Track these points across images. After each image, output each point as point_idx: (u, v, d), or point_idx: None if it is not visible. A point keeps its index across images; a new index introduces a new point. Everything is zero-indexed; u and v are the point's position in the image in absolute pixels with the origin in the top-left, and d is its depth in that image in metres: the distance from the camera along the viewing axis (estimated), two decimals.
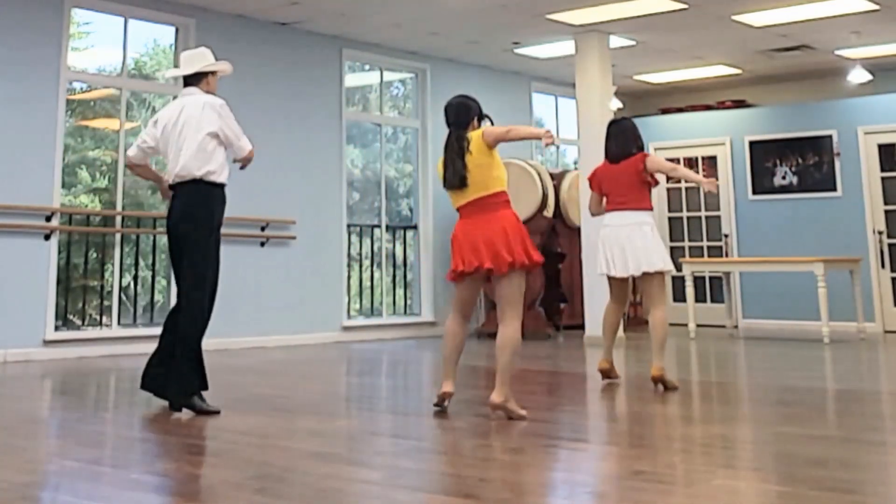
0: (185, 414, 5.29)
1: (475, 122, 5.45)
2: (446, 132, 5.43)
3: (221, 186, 5.60)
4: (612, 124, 6.79)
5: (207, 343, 5.66)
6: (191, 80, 5.76)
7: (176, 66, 9.79)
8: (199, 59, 5.78)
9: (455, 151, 5.31)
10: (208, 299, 5.55)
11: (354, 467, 3.98)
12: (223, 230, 5.74)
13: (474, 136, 5.32)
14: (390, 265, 11.78)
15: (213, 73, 5.79)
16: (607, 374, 6.60)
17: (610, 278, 6.57)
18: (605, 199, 6.62)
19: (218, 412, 5.29)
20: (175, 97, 9.64)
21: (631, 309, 12.52)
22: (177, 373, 5.36)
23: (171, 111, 5.69)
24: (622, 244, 6.39)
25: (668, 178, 12.62)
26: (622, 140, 6.61)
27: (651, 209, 6.51)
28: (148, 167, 5.97)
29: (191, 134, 5.51)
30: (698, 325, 10.92)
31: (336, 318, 10.59)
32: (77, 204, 10.07)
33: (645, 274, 6.34)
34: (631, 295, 12.61)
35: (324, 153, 10.71)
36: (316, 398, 6.20)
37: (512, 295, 5.17)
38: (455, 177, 5.26)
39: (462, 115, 5.42)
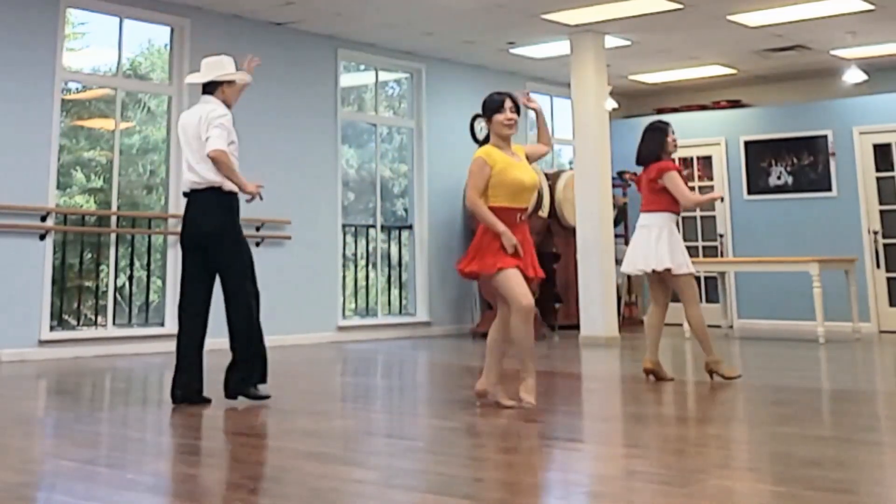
0: (241, 402, 5.53)
1: (484, 120, 5.50)
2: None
3: (234, 194, 5.66)
4: (646, 127, 6.99)
5: (205, 343, 5.71)
6: (207, 87, 5.76)
7: (174, 67, 9.80)
8: (215, 67, 5.76)
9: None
10: (254, 292, 5.62)
11: (349, 467, 3.98)
12: None
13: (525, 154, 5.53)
14: (385, 265, 11.76)
15: (228, 82, 5.76)
16: (651, 373, 6.66)
17: (648, 279, 6.83)
18: None
19: (268, 397, 5.56)
20: (170, 97, 9.74)
21: (626, 309, 12.52)
22: (242, 363, 5.51)
23: (182, 123, 5.76)
24: (637, 243, 6.76)
25: None
26: (646, 144, 6.85)
27: (663, 211, 6.73)
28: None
29: (198, 147, 5.58)
30: None
31: (331, 319, 10.58)
32: (72, 204, 10.03)
33: (668, 273, 6.65)
34: (626, 295, 12.68)
35: (319, 153, 10.70)
36: (311, 398, 6.20)
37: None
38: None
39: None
